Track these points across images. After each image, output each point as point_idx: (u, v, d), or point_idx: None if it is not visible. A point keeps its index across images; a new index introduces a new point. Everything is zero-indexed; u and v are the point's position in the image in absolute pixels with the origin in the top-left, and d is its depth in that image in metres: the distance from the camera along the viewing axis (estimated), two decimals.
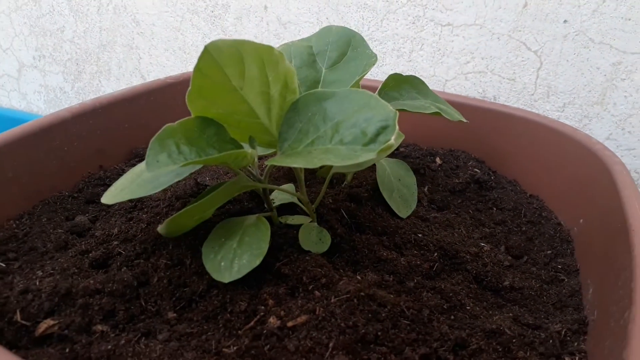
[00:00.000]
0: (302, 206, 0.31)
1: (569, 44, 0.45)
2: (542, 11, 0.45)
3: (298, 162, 0.24)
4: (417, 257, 0.30)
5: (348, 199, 0.33)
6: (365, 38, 0.51)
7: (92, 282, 0.29)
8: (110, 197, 0.27)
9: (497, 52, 0.48)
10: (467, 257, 0.31)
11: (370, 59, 0.31)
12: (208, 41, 0.56)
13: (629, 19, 0.42)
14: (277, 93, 0.25)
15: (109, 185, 0.40)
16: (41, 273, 0.30)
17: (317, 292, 0.26)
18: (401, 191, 0.34)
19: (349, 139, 0.26)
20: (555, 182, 0.40)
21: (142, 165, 0.30)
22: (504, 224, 0.36)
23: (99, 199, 0.39)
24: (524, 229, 0.36)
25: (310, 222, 0.30)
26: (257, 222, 0.27)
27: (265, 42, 0.55)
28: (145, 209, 0.37)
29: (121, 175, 0.43)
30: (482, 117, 0.43)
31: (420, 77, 0.52)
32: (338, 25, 0.33)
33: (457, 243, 0.33)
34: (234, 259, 0.26)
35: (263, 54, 0.24)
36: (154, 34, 0.60)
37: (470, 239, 0.34)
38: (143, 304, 0.25)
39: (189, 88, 0.24)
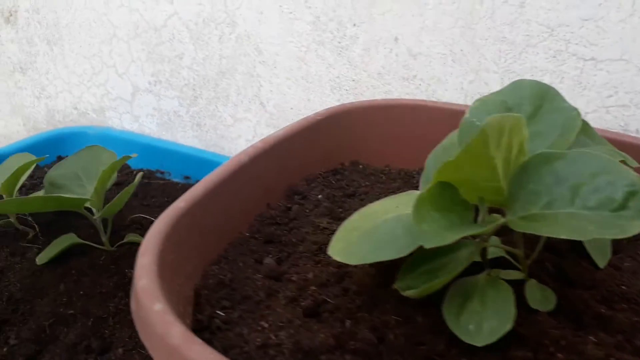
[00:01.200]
0: (512, 260, 0.31)
1: None
2: None
3: (555, 231, 0.24)
4: (630, 311, 0.31)
5: (545, 249, 0.34)
6: (501, 70, 0.52)
7: (324, 336, 0.30)
8: (343, 254, 0.28)
9: None
10: None
11: (571, 112, 0.32)
12: (333, 71, 0.57)
13: None
14: (514, 156, 0.26)
15: (280, 224, 0.43)
16: (266, 324, 0.32)
17: (559, 355, 0.26)
18: (596, 239, 0.34)
19: (593, 204, 0.27)
20: None
21: (357, 218, 0.31)
22: None
23: (276, 238, 0.41)
24: None
25: (524, 277, 0.31)
26: (493, 282, 0.28)
27: (393, 73, 0.56)
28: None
29: (287, 213, 0.45)
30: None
31: None
32: (530, 80, 0.34)
33: None
34: (481, 322, 0.27)
35: (515, 123, 0.25)
36: (277, 63, 0.62)
37: None
38: None
39: (448, 160, 0.25)
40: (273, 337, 0.31)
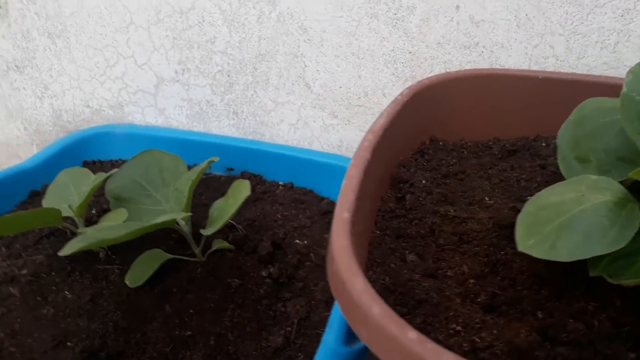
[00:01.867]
0: None
1: None
2: None
3: None
4: None
5: None
6: (567, 32, 0.52)
7: (526, 332, 0.30)
8: (543, 251, 0.28)
9: None
10: None
11: None
12: (387, 44, 0.56)
13: None
14: None
15: (400, 217, 0.42)
16: (459, 327, 0.32)
17: None
18: None
19: None
20: None
21: (533, 209, 0.31)
22: None
23: (404, 232, 0.41)
24: None
25: None
26: None
27: (453, 42, 0.56)
28: (473, 241, 0.38)
29: (402, 203, 0.44)
30: None
31: (624, 67, 0.53)
32: None
33: None
34: None
35: None
36: (323, 41, 0.59)
37: None
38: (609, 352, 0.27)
39: None
40: (478, 340, 0.31)
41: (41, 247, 0.56)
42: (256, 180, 0.70)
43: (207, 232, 0.46)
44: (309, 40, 0.62)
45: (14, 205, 0.63)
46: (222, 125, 0.73)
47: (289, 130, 0.70)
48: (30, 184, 0.66)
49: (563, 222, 0.30)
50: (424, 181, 0.48)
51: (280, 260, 0.53)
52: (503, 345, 0.29)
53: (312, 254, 0.56)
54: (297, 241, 0.58)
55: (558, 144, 0.39)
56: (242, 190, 0.45)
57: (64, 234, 0.57)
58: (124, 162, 0.72)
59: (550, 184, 0.46)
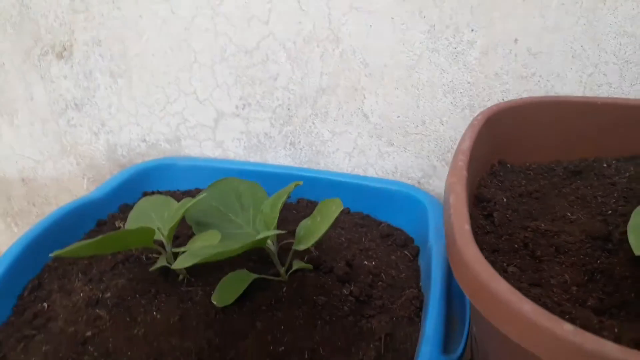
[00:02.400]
0: None
1: None
2: None
3: None
4: None
5: None
6: (620, 61, 0.55)
7: None
8: None
9: None
10: None
11: None
12: (447, 76, 0.59)
13: None
14: None
15: (491, 232, 0.43)
16: None
17: None
18: None
19: None
20: None
21: None
22: None
23: (498, 247, 0.42)
24: None
25: None
26: None
27: (511, 73, 0.59)
28: (569, 252, 0.40)
29: (490, 220, 0.46)
30: None
31: None
32: None
33: None
34: None
35: None
36: (384, 74, 0.63)
37: None
38: None
39: None
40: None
41: (118, 272, 0.57)
42: (313, 207, 0.72)
43: (300, 247, 0.47)
44: (369, 74, 0.66)
45: (83, 234, 0.65)
46: (278, 155, 0.75)
47: (344, 159, 0.73)
48: (96, 214, 0.68)
49: None
50: (504, 199, 0.50)
51: (355, 280, 0.55)
52: (629, 342, 0.31)
53: (382, 274, 0.57)
54: (366, 262, 0.59)
55: None
56: (332, 208, 0.47)
57: (138, 260, 0.59)
58: (184, 193, 0.74)
59: (628, 199, 0.48)
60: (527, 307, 0.28)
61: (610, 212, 0.46)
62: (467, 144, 0.48)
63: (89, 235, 0.65)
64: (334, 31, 0.65)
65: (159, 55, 0.73)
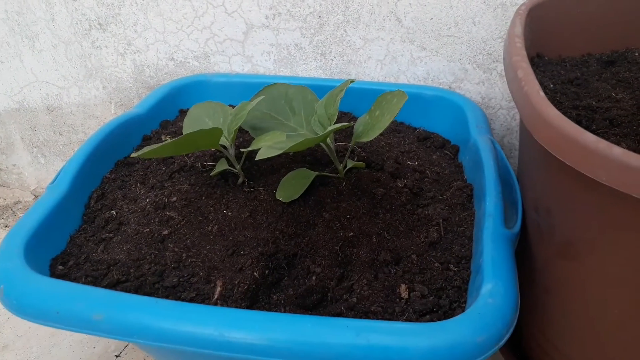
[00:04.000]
0: None
1: None
2: None
3: None
4: None
5: None
6: None
7: None
8: None
9: None
10: None
11: None
12: None
13: None
14: None
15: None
16: None
17: None
18: None
19: None
20: None
21: None
22: None
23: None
24: None
25: None
26: None
27: None
28: (622, 124, 0.42)
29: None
30: None
31: None
32: None
33: None
34: None
35: None
36: None
37: None
38: None
39: None
40: None
41: (177, 180, 0.59)
42: (348, 118, 0.74)
43: (362, 139, 0.49)
44: None
45: (132, 148, 0.66)
46: (309, 67, 0.76)
47: (376, 67, 0.73)
48: (141, 130, 0.69)
49: None
50: (551, 85, 0.52)
51: (405, 176, 0.58)
52: None
53: (427, 172, 0.60)
54: (409, 162, 0.62)
55: None
56: (396, 99, 0.48)
57: (193, 168, 0.61)
58: None
59: None
60: (617, 151, 0.31)
61: None
62: (519, 29, 0.50)
63: (137, 149, 0.67)
64: None
65: None
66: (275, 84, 0.59)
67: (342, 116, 0.73)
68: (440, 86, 0.73)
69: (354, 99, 0.73)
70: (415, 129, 0.71)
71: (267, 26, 0.73)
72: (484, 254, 0.43)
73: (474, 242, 0.48)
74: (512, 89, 0.43)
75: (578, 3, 0.58)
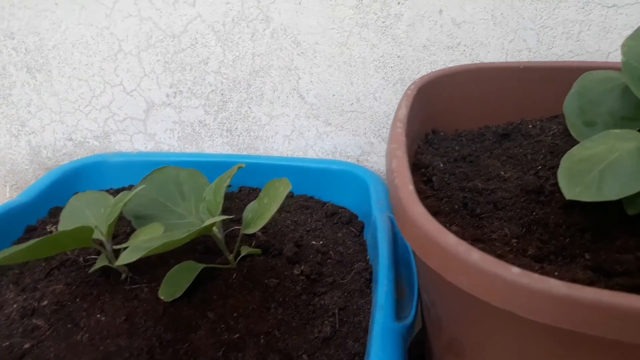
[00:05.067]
0: None
1: None
2: None
3: None
4: None
5: None
6: (537, 26, 0.58)
7: (581, 273, 0.33)
8: (590, 194, 0.32)
9: None
10: None
11: None
12: (377, 51, 0.60)
13: None
14: None
15: (431, 197, 0.44)
16: None
17: None
18: None
19: None
20: None
21: (570, 165, 0.34)
22: None
23: (439, 210, 0.43)
24: None
25: None
26: None
27: (438, 44, 0.61)
28: (506, 207, 0.41)
29: (429, 185, 0.47)
30: None
31: (587, 53, 0.60)
32: None
33: None
34: None
35: None
36: (317, 53, 0.62)
37: None
38: None
39: None
40: None
41: (54, 278, 0.53)
42: (256, 194, 0.71)
43: (249, 230, 0.46)
44: (302, 53, 0.65)
45: (11, 242, 0.60)
46: (215, 144, 0.73)
47: (284, 142, 0.72)
48: (24, 219, 0.63)
49: (603, 168, 0.34)
50: (441, 165, 0.51)
51: (305, 260, 0.54)
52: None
53: (331, 252, 0.57)
54: (314, 242, 0.59)
55: (565, 113, 0.44)
56: (282, 187, 0.46)
57: (75, 264, 0.55)
58: (118, 191, 0.70)
59: (556, 154, 0.50)
60: (476, 256, 0.28)
61: (540, 167, 0.48)
62: (404, 112, 0.49)
63: (18, 243, 0.61)
64: (263, 10, 0.63)
65: (79, 46, 0.69)
66: (165, 167, 0.56)
67: (251, 192, 0.71)
68: (349, 159, 0.72)
69: (262, 175, 0.70)
70: (324, 203, 0.69)
71: (169, 104, 0.71)
72: (372, 354, 0.39)
73: (368, 335, 0.45)
74: (387, 179, 0.41)
75: (470, 79, 0.59)
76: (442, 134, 0.58)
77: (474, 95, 0.60)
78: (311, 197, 0.70)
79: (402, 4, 0.60)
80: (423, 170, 0.50)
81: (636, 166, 0.33)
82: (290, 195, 0.70)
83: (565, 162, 0.37)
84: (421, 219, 0.32)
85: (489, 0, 0.59)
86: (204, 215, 0.50)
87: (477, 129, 0.60)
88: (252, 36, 0.65)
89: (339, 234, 0.61)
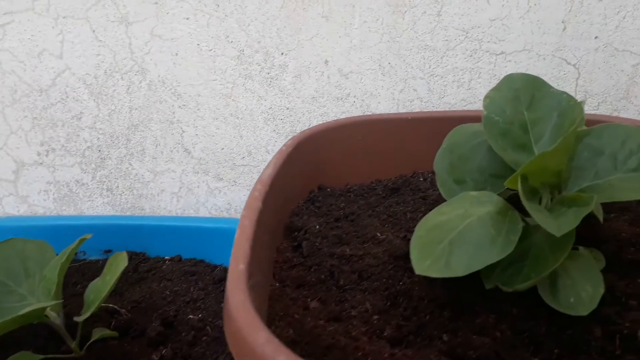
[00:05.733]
0: None
1: (600, 55, 0.56)
2: (578, 31, 0.55)
3: (622, 196, 0.28)
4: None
5: None
6: (427, 75, 0.57)
7: (435, 357, 0.30)
8: (439, 270, 0.29)
9: (544, 70, 0.56)
10: None
11: (561, 95, 0.37)
12: (264, 103, 0.57)
13: None
14: None
15: (298, 265, 0.41)
16: None
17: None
18: None
19: (634, 165, 0.30)
20: None
21: (424, 233, 0.31)
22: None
23: (305, 281, 0.39)
24: None
25: None
26: (569, 256, 0.30)
27: (327, 95, 0.59)
28: (372, 277, 0.38)
29: (299, 251, 0.43)
30: None
31: (479, 101, 0.59)
32: (518, 73, 0.38)
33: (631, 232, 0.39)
34: (579, 293, 0.29)
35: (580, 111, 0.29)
36: (199, 105, 0.59)
37: None
38: None
39: (541, 154, 0.27)
40: None
41: None
42: (139, 259, 0.64)
43: (81, 318, 0.40)
44: (184, 105, 0.61)
45: None
46: (95, 204, 0.67)
47: (172, 200, 0.66)
48: None
49: (453, 238, 0.31)
50: (317, 226, 0.47)
51: (173, 340, 0.48)
52: None
53: (208, 327, 0.51)
54: (191, 316, 0.53)
55: (436, 170, 0.41)
56: (118, 263, 0.40)
57: None
58: None
59: None
60: (282, 358, 0.24)
61: (414, 228, 0.45)
62: (269, 172, 0.45)
63: None
64: (138, 62, 0.59)
65: None
66: (10, 239, 0.49)
67: (133, 257, 0.64)
68: None
69: (148, 237, 0.64)
70: (215, 267, 0.63)
71: (41, 163, 0.65)
72: None
73: None
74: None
75: (357, 131, 0.56)
76: (329, 189, 0.55)
77: (363, 148, 0.57)
78: (201, 261, 0.64)
79: (286, 54, 0.58)
80: (295, 234, 0.45)
81: (486, 236, 0.30)
82: (179, 260, 0.64)
83: (419, 229, 0.33)
84: (238, 309, 0.27)
85: (374, 50, 0.58)
86: (43, 295, 0.43)
87: (368, 183, 0.57)
88: (128, 88, 0.60)
89: (222, 305, 0.56)
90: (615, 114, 0.60)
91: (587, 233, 0.40)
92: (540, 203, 0.33)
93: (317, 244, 0.44)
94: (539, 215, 0.27)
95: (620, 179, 0.31)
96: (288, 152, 0.49)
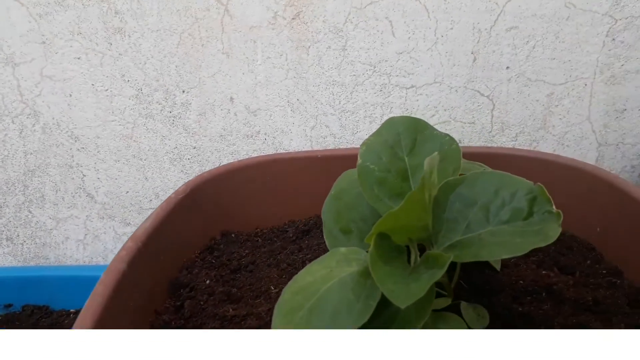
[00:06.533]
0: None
1: (513, 85, 0.55)
2: (488, 62, 0.54)
3: (491, 254, 0.27)
4: (535, 302, 0.35)
5: (451, 266, 0.37)
6: (337, 111, 0.55)
7: None
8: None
9: (457, 102, 0.56)
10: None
11: (444, 138, 0.35)
12: (169, 142, 0.54)
13: (554, 59, 0.54)
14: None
15: (178, 328, 0.38)
16: None
17: None
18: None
19: (507, 217, 0.29)
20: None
21: (290, 297, 0.29)
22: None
23: None
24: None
25: (451, 301, 0.33)
26: (440, 318, 0.29)
27: (235, 133, 0.56)
28: None
29: (180, 312, 0.40)
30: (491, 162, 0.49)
31: None
32: (400, 116, 0.37)
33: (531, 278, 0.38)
34: None
35: (435, 162, 0.28)
36: (99, 147, 0.56)
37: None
38: None
39: (390, 212, 0.26)
40: None
41: None
42: (41, 313, 0.60)
43: None
44: (82, 148, 0.58)
45: None
46: None
47: (78, 248, 0.63)
48: None
49: (312, 305, 0.28)
50: (208, 281, 0.44)
51: None
52: None
53: None
54: None
55: (323, 219, 0.39)
56: None
57: None
58: None
59: None
60: None
61: None
62: (147, 226, 0.42)
63: None
64: (29, 104, 0.56)
65: None
66: None
67: (35, 311, 0.60)
68: None
69: (53, 289, 0.60)
70: None
71: None
72: None
73: None
74: None
75: (265, 172, 0.54)
76: (234, 235, 0.52)
77: (273, 189, 0.54)
78: None
79: (188, 92, 0.56)
80: (180, 291, 0.43)
81: (343, 302, 0.28)
82: None
83: (286, 292, 0.31)
84: None
85: (281, 86, 0.56)
86: None
87: (282, 225, 0.55)
88: (21, 132, 0.57)
89: None
90: (534, 144, 0.60)
91: (483, 284, 0.39)
92: (409, 260, 0.31)
93: (202, 302, 0.41)
94: (384, 285, 0.25)
95: (491, 233, 0.29)
96: (178, 199, 0.46)
